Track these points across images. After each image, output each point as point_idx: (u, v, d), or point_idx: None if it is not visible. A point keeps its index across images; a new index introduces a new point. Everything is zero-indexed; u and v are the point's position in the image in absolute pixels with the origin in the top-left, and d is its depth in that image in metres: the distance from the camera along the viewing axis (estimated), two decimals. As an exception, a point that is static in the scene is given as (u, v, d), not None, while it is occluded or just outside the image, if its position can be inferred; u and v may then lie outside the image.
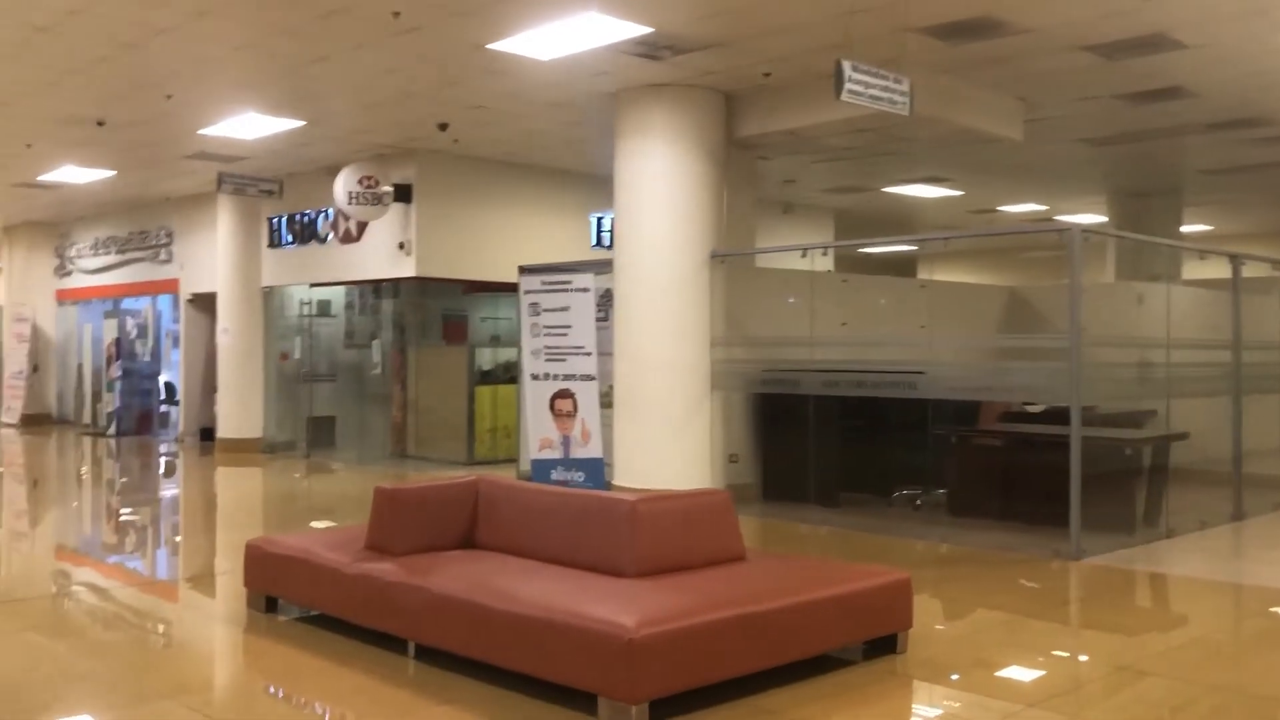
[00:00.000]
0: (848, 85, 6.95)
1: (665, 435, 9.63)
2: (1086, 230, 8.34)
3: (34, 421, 19.72)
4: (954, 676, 5.05)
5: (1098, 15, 7.78)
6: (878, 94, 7.18)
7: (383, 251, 13.04)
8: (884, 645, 5.23)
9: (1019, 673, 5.16)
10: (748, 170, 10.92)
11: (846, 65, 6.95)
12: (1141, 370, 8.89)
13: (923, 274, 21.23)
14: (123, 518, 10.25)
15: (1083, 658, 5.57)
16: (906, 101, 7.39)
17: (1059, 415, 8.04)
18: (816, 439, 9.61)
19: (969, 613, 6.51)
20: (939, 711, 4.70)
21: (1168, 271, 11.40)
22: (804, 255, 9.86)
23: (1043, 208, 17.43)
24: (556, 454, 10.51)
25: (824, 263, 10.66)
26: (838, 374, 9.23)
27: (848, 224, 17.65)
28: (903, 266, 21.67)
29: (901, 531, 8.90)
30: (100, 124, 11.21)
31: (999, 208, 17.42)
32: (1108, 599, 6.90)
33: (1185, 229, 16.81)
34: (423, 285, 14.00)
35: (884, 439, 9.87)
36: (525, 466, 11.31)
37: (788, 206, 16.25)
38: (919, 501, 9.79)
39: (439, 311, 15.45)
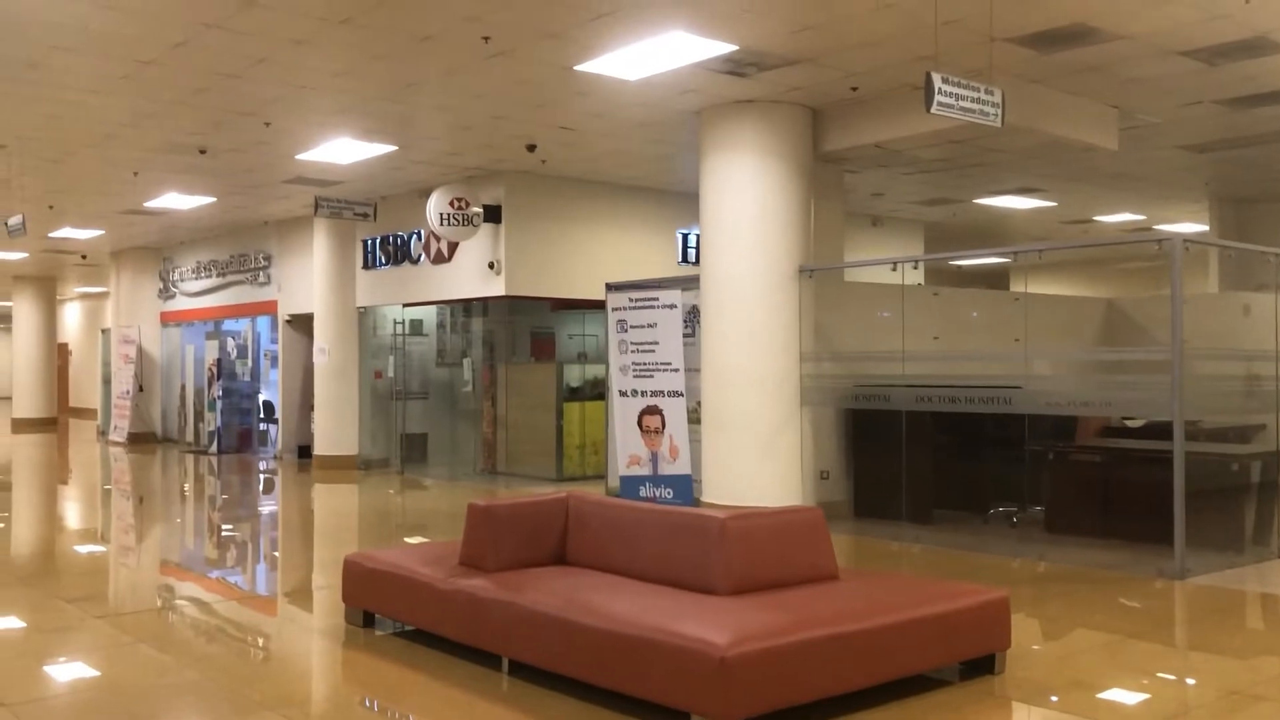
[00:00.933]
0: (938, 98, 6.87)
1: (754, 451, 9.58)
2: (1188, 240, 8.12)
3: (139, 440, 20.40)
4: (1053, 698, 4.93)
5: (1196, 20, 7.58)
6: (968, 106, 7.08)
7: (473, 271, 13.24)
8: (981, 666, 5.14)
9: (1122, 695, 5.02)
10: (835, 184, 10.86)
11: (936, 78, 6.87)
12: (1249, 383, 8.60)
13: (1016, 287, 20.83)
14: (224, 533, 10.54)
15: (1190, 681, 5.40)
16: (998, 113, 7.28)
17: (1161, 430, 7.82)
18: (909, 455, 9.48)
19: (1068, 633, 6.35)
20: (1039, 734, 4.60)
21: (1276, 281, 10.99)
22: (894, 269, 9.76)
23: (1140, 217, 16.99)
24: (645, 471, 10.54)
25: (914, 276, 10.54)
26: (930, 389, 9.10)
27: (938, 236, 17.42)
28: (995, 279, 21.31)
29: (997, 549, 8.73)
30: (202, 152, 11.60)
31: (1094, 218, 17.03)
32: (1216, 620, 6.68)
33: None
34: (512, 303, 14.17)
35: (978, 454, 9.71)
36: (614, 483, 11.36)
37: (877, 220, 16.10)
38: (1015, 518, 9.59)
39: (528, 329, 15.64)
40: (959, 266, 21.65)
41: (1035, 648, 5.84)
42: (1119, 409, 8.96)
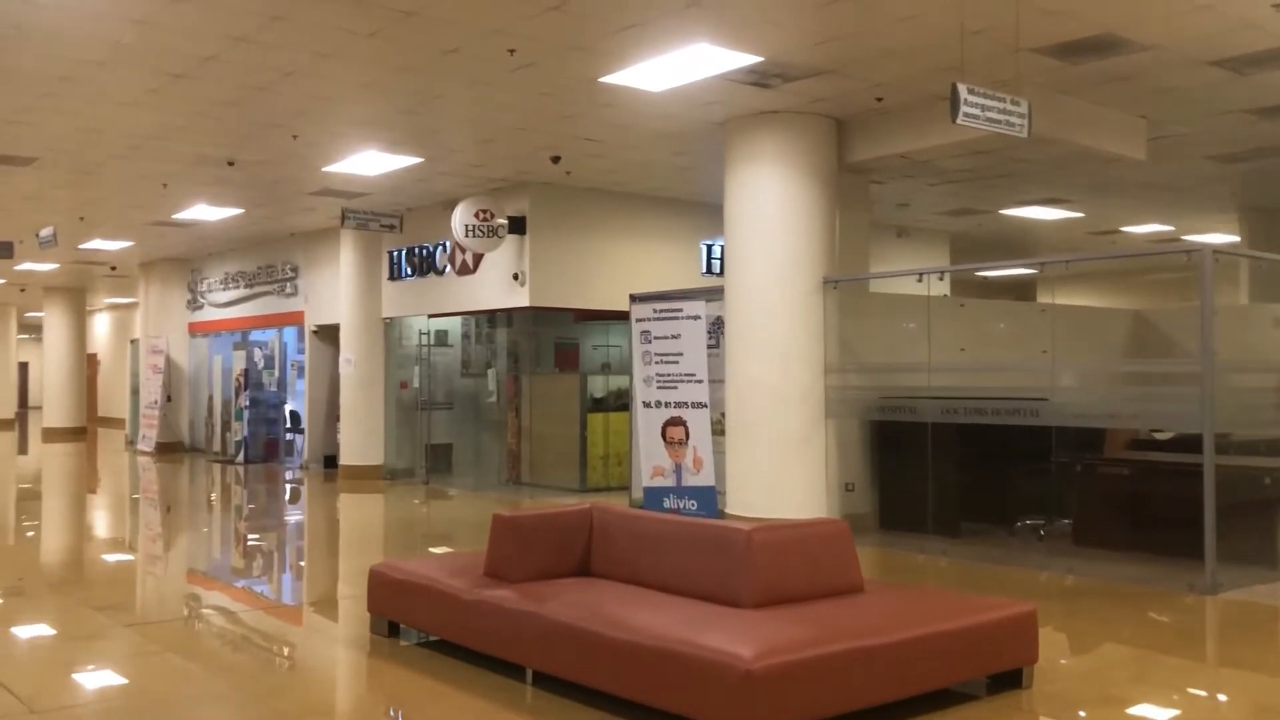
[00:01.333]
0: (964, 108, 6.84)
1: (779, 463, 9.55)
2: (1217, 250, 8.04)
3: (168, 450, 20.54)
4: (1082, 713, 4.88)
5: (1225, 29, 7.52)
6: (995, 116, 7.05)
7: (498, 282, 13.28)
8: (1008, 680, 5.08)
9: (1151, 711, 4.97)
10: (860, 194, 10.83)
11: (962, 88, 6.84)
12: None
13: (1043, 298, 20.73)
14: (250, 543, 10.59)
15: (1221, 697, 5.33)
16: (1025, 123, 7.24)
17: (1190, 443, 7.73)
18: (935, 467, 9.42)
19: (1097, 647, 6.29)
20: (1068, 750, 4.55)
21: (1307, 292, 10.94)
22: (920, 280, 9.71)
23: (1168, 228, 16.85)
24: (669, 482, 10.52)
25: (940, 287, 10.50)
26: (957, 401, 9.05)
27: (964, 247, 17.33)
28: (1022, 290, 21.19)
29: (1025, 562, 8.66)
30: (230, 164, 11.70)
31: (1122, 229, 16.91)
32: (1247, 636, 6.60)
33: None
34: (536, 314, 14.19)
35: (1005, 467, 9.63)
36: (637, 494, 11.34)
37: (902, 231, 16.04)
38: (1043, 531, 9.51)
39: (552, 340, 15.65)
40: (985, 277, 21.54)
41: (1063, 662, 5.79)
42: (1147, 421, 8.88)
